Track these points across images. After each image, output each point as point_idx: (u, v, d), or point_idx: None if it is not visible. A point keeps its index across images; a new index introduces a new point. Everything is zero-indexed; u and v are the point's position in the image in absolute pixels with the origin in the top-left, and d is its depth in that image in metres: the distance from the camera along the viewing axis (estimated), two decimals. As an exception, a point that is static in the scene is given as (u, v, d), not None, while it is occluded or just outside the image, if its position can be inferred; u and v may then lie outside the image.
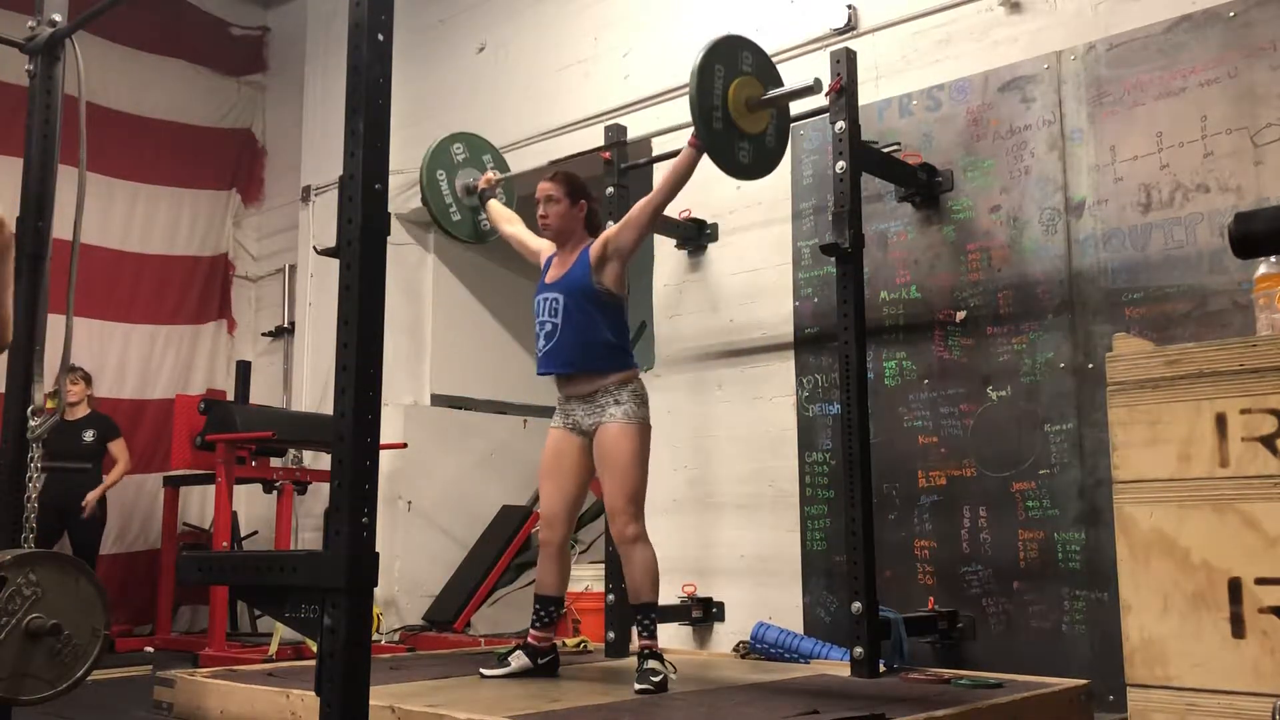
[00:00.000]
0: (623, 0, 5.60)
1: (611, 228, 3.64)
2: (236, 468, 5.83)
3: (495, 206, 4.18)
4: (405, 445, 6.17)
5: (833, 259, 3.81)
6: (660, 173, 4.69)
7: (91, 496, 6.10)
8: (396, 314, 6.38)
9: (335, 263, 2.14)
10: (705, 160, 4.83)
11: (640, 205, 3.57)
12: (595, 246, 3.57)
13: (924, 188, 4.26)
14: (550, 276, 3.66)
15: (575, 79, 5.74)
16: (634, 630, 3.51)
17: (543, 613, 3.63)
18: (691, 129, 3.47)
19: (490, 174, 4.30)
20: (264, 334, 7.83)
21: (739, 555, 4.71)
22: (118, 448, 6.31)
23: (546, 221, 3.65)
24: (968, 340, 4.14)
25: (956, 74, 4.31)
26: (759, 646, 4.18)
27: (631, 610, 3.51)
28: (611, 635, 4.18)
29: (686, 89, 5.12)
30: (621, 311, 3.61)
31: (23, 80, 3.55)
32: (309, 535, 6.75)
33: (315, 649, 2.04)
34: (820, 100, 3.94)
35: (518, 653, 3.61)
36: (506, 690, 3.30)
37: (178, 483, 6.67)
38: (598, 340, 3.52)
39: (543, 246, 3.81)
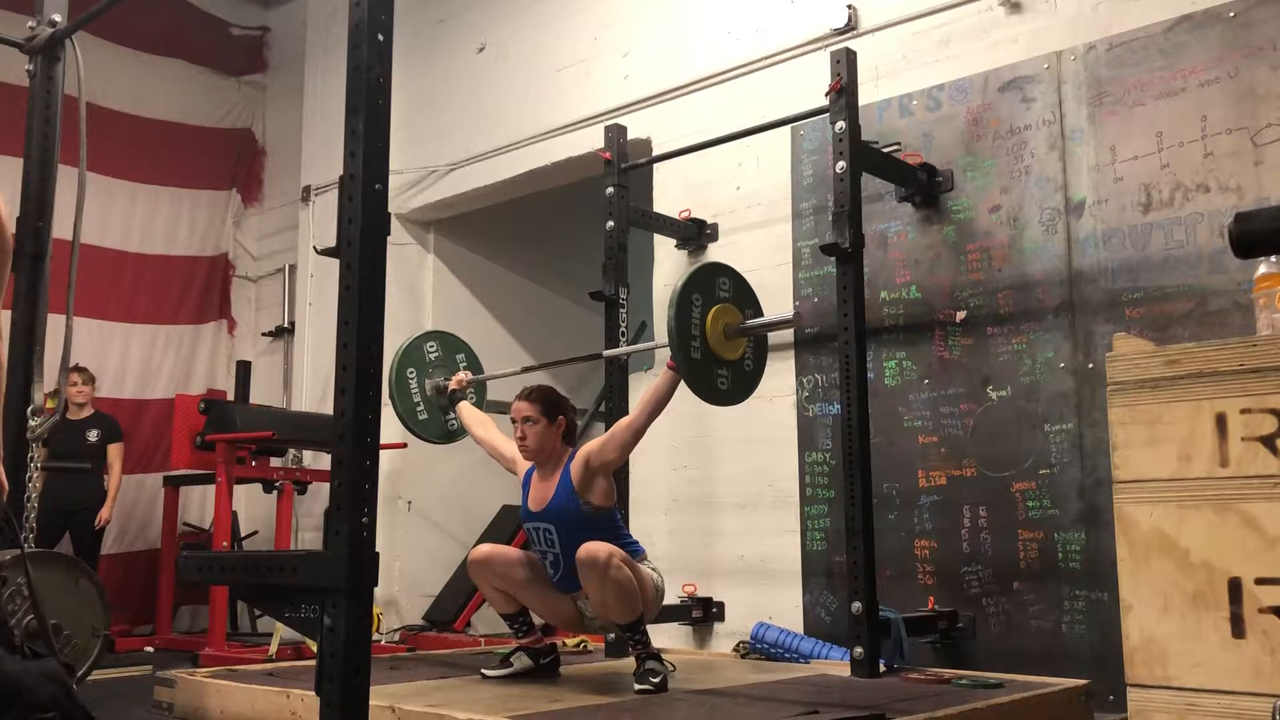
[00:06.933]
0: (623, 0, 5.60)
1: (592, 444, 3.47)
2: (236, 468, 5.83)
3: (466, 409, 4.06)
4: (405, 445, 6.16)
5: (833, 259, 3.81)
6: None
7: (104, 513, 6.14)
8: (396, 314, 6.37)
9: (335, 263, 2.15)
10: (707, 158, 4.87)
11: (623, 425, 3.46)
12: (576, 465, 3.44)
13: (924, 188, 4.26)
14: (534, 501, 3.54)
15: (575, 79, 5.74)
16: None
17: (514, 625, 3.64)
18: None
19: (462, 375, 4.20)
20: (264, 334, 7.83)
21: (739, 555, 4.71)
22: (115, 452, 6.30)
23: (525, 443, 3.53)
24: (968, 340, 4.14)
25: (956, 74, 4.31)
26: (759, 646, 4.18)
27: (619, 630, 3.47)
28: (611, 635, 4.18)
29: (687, 88, 5.11)
30: (614, 517, 3.53)
31: (23, 80, 3.55)
32: (309, 535, 6.74)
33: (315, 649, 2.05)
34: (821, 101, 3.95)
35: (520, 653, 3.63)
36: (506, 690, 3.31)
37: (178, 483, 6.67)
38: None
39: (518, 456, 3.66)
